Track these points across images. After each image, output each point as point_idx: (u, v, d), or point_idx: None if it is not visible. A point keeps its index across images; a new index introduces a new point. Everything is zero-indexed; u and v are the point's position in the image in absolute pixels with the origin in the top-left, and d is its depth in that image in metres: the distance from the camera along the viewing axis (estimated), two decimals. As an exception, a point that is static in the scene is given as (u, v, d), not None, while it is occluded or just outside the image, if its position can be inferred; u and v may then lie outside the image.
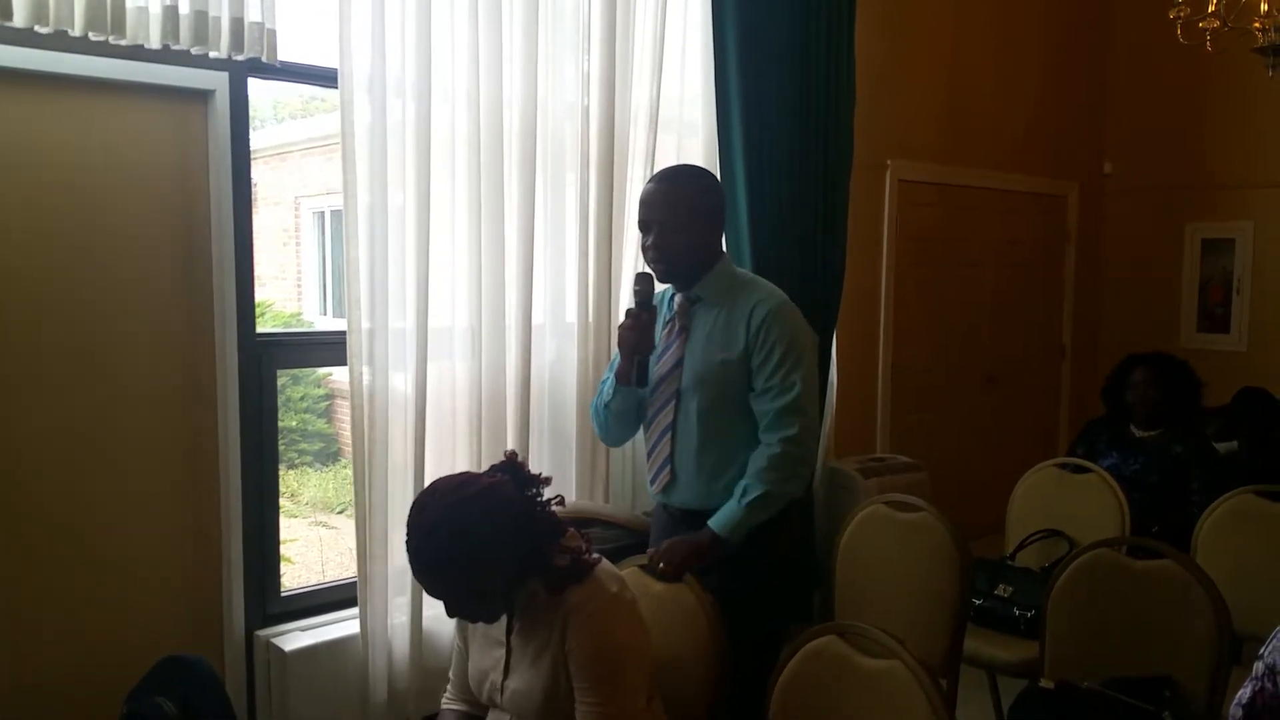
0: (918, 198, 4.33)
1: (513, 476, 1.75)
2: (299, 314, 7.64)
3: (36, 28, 2.04)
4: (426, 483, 2.44)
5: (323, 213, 8.39)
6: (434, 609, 2.61)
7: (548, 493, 1.78)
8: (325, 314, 7.93)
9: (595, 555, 1.80)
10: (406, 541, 1.67)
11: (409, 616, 2.60)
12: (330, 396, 6.58)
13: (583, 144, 2.85)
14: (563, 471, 2.91)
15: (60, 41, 2.12)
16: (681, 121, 3.20)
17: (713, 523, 2.14)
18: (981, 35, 4.55)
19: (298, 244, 8.34)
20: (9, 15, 2.00)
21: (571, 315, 2.90)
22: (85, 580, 2.34)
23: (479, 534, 1.63)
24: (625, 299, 2.99)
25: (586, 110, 2.85)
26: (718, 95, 3.13)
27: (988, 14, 4.57)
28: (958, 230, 4.59)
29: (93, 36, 2.10)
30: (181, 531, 2.48)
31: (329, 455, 6.43)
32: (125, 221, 2.35)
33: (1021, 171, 4.84)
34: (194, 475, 2.49)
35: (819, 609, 2.85)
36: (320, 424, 6.54)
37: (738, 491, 2.14)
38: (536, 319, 2.81)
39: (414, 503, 1.71)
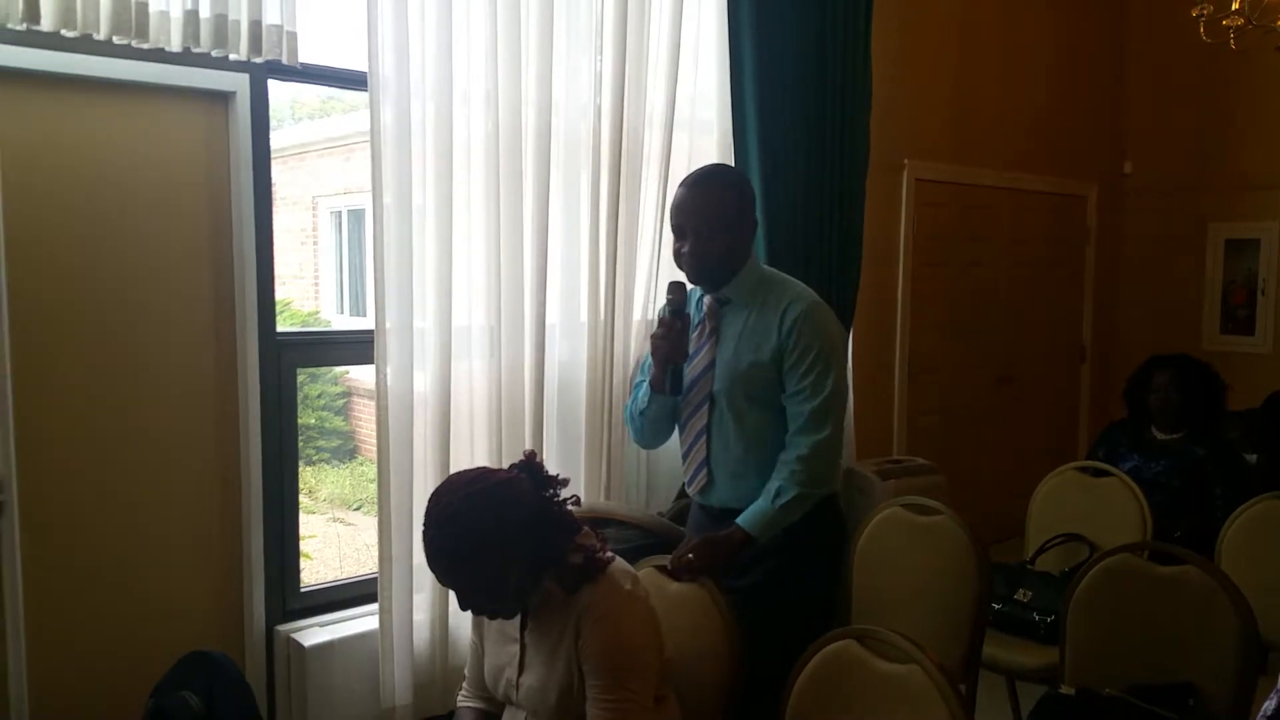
0: (935, 198, 4.30)
1: (529, 475, 1.77)
2: (316, 312, 7.68)
3: (64, 31, 2.07)
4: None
5: (340, 212, 8.42)
6: (456, 606, 2.62)
7: (565, 493, 1.79)
8: (342, 313, 7.96)
9: (609, 554, 1.81)
10: (423, 531, 1.70)
11: (430, 614, 2.62)
12: (347, 394, 6.62)
13: (597, 144, 2.86)
14: (572, 471, 2.90)
15: (87, 45, 2.15)
16: (695, 121, 3.19)
17: (744, 522, 2.12)
18: (996, 33, 4.53)
19: (315, 243, 8.38)
20: (37, 19, 2.03)
21: (584, 315, 2.91)
22: (111, 576, 2.37)
23: (491, 525, 1.66)
24: (639, 299, 2.99)
25: (600, 110, 2.86)
26: (733, 94, 3.13)
27: (1001, 12, 4.54)
28: (976, 231, 4.56)
29: (117, 40, 2.14)
30: (204, 527, 2.51)
31: (346, 452, 6.45)
32: (152, 221, 2.39)
33: (1040, 171, 4.81)
34: (217, 472, 2.52)
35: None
36: (337, 421, 6.57)
37: (770, 492, 2.13)
38: (550, 319, 2.82)
39: (432, 493, 1.73)
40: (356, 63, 2.56)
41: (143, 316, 2.39)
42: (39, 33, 2.06)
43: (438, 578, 1.74)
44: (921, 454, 3.95)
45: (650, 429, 2.33)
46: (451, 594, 2.55)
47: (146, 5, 2.15)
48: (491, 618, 1.81)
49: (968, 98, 4.41)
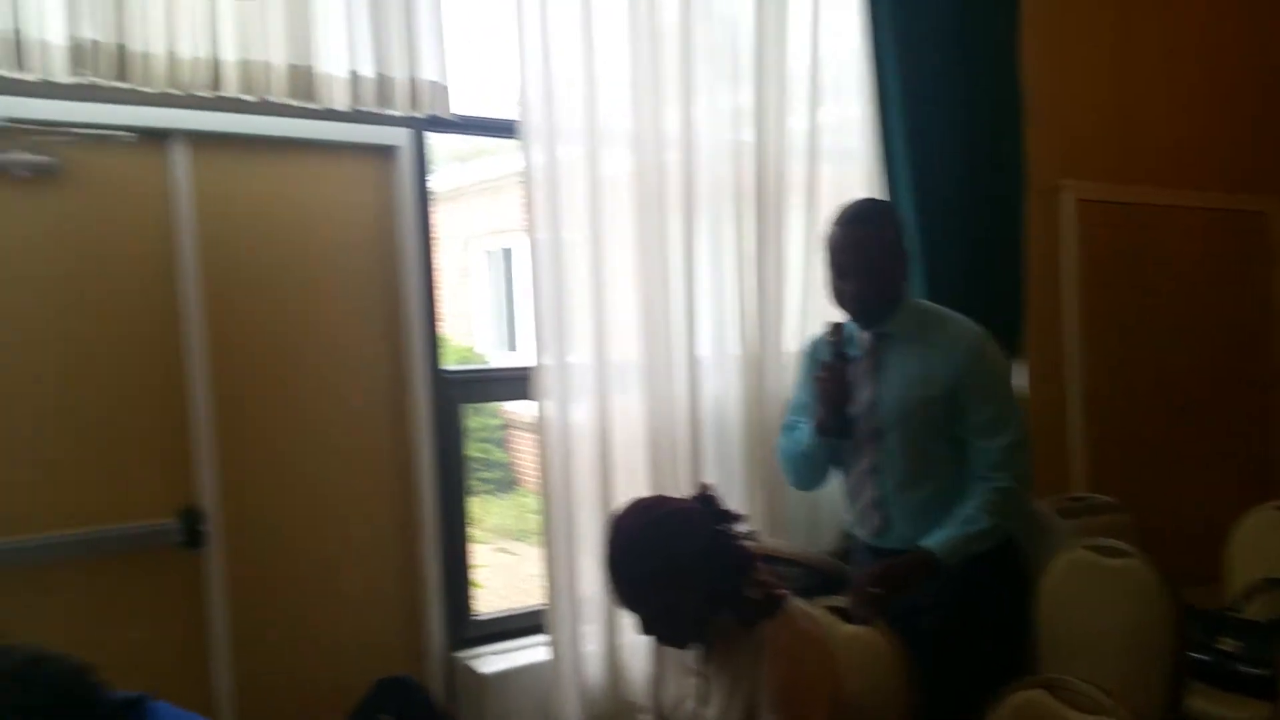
0: (1100, 219, 4.06)
1: (705, 507, 1.79)
2: (472, 349, 7.92)
3: (244, 96, 2.25)
4: (609, 512, 2.51)
5: (490, 251, 8.68)
6: (630, 638, 2.62)
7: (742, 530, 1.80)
8: (496, 348, 8.18)
9: (785, 591, 1.81)
10: (602, 553, 1.75)
11: (602, 646, 2.63)
12: (506, 426, 6.76)
13: (740, 177, 2.85)
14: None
15: (266, 107, 2.32)
16: (838, 150, 3.12)
17: (932, 544, 2.07)
18: (1155, 40, 4.24)
19: (469, 281, 8.67)
20: (220, 86, 2.21)
21: (735, 348, 2.88)
22: (303, 604, 2.49)
23: (664, 552, 1.69)
24: (790, 331, 2.94)
25: (741, 144, 2.85)
26: (878, 123, 3.04)
27: (1159, 17, 4.25)
28: (1146, 253, 4.26)
29: (293, 102, 2.30)
30: (385, 556, 2.62)
31: (507, 483, 6.59)
32: (328, 267, 2.54)
33: (1213, 187, 4.46)
34: (394, 504, 2.63)
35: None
36: (498, 453, 6.73)
37: (962, 518, 2.08)
38: (702, 352, 2.82)
39: (610, 519, 1.79)
40: (502, 109, 2.67)
41: (325, 358, 2.53)
42: (225, 98, 2.24)
43: (617, 599, 1.78)
44: (1101, 491, 3.72)
45: (811, 472, 2.31)
46: (625, 627, 2.59)
47: (309, 69, 2.32)
48: (669, 645, 1.83)
49: (1127, 111, 4.15)
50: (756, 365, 2.87)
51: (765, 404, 2.87)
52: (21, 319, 2.17)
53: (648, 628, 1.76)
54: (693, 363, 2.77)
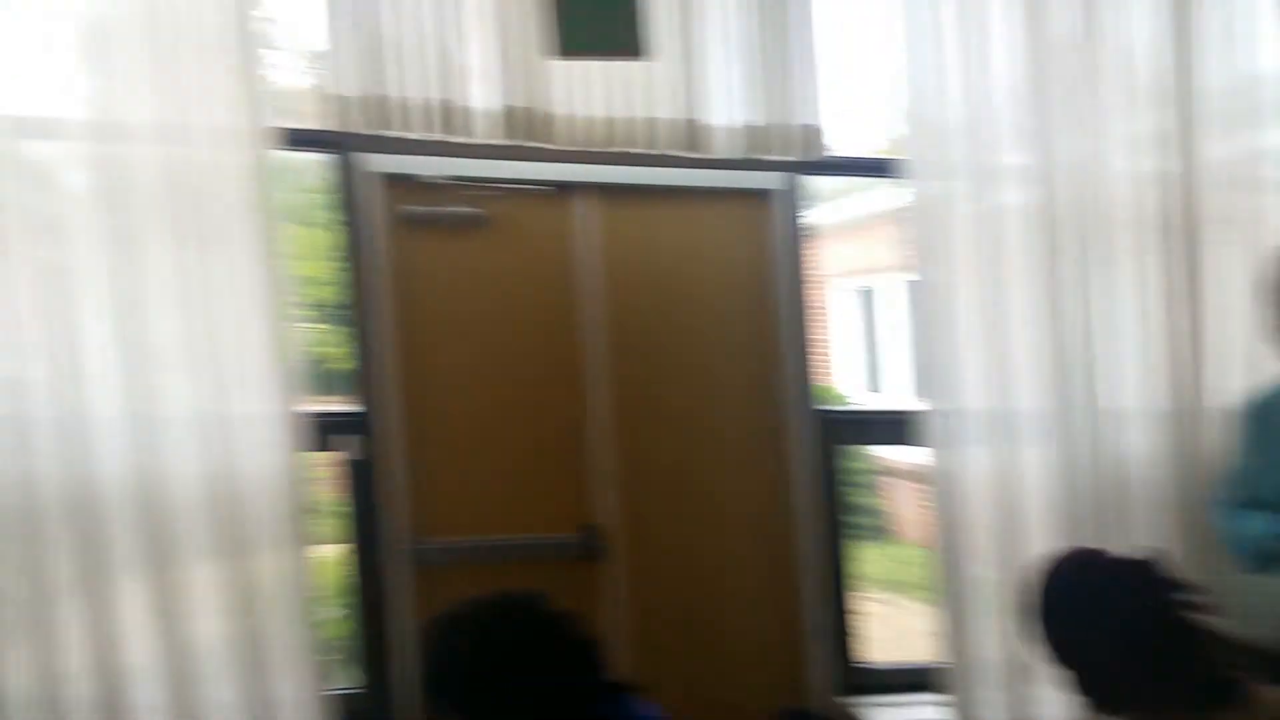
0: None
1: (1146, 569, 1.61)
2: (833, 388, 7.87)
3: (643, 150, 2.44)
4: (1009, 571, 2.39)
5: (856, 290, 8.62)
6: (1042, 710, 2.45)
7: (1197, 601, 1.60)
8: (858, 388, 8.07)
9: (1246, 676, 1.57)
10: (1030, 600, 1.66)
11: (1004, 714, 2.47)
12: (876, 472, 6.61)
13: (1152, 210, 2.57)
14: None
15: (660, 158, 2.49)
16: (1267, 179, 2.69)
17: None
18: None
19: (830, 320, 8.67)
20: (622, 142, 2.42)
21: (1158, 401, 2.57)
22: (690, 628, 2.58)
23: (1105, 603, 1.56)
24: (1224, 382, 2.58)
25: (1155, 173, 2.57)
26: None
27: None
28: None
29: (682, 153, 2.47)
30: (770, 588, 2.64)
31: (879, 531, 6.43)
32: (713, 307, 2.64)
33: None
34: (778, 538, 2.64)
35: None
36: (871, 499, 6.60)
37: None
38: (1117, 403, 2.55)
39: (1044, 563, 1.68)
40: (872, 147, 2.65)
41: (710, 391, 2.62)
42: (626, 152, 2.44)
43: (1045, 653, 1.66)
44: None
45: (1272, 563, 2.00)
46: (1036, 699, 2.42)
47: (698, 122, 2.46)
48: (1103, 712, 1.65)
49: None
50: (1184, 420, 2.57)
51: (1196, 464, 2.55)
52: (455, 350, 2.46)
53: (1082, 688, 1.61)
54: (1102, 414, 2.54)
